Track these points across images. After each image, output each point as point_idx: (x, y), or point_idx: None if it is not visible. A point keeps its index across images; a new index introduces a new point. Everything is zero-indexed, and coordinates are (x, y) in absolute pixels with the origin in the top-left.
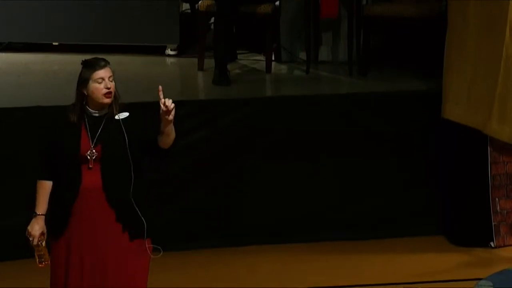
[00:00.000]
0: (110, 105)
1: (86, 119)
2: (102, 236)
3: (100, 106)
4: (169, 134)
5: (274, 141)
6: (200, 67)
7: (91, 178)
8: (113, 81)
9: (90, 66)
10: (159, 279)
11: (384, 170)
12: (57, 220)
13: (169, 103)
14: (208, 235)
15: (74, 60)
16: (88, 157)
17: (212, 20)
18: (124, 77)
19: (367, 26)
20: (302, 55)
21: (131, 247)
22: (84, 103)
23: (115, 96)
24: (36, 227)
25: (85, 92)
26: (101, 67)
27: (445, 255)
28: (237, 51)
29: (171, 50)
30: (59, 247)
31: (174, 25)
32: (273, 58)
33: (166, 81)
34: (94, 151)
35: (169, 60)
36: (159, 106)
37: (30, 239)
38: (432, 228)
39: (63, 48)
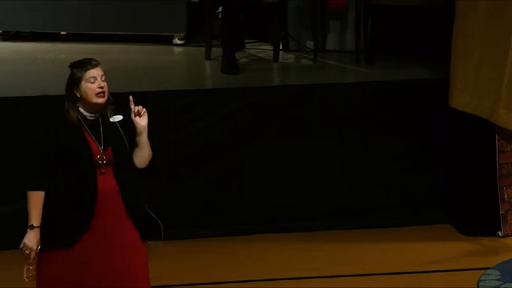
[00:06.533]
0: (103, 108)
1: (84, 122)
2: (120, 240)
3: (94, 108)
4: (144, 147)
5: (281, 130)
6: (208, 56)
7: (105, 183)
8: (106, 81)
9: (81, 66)
10: (163, 267)
11: (391, 159)
12: (73, 228)
13: (140, 107)
14: (214, 223)
15: (81, 49)
16: (100, 162)
17: (220, 9)
18: (132, 66)
19: (375, 15)
20: (310, 44)
21: (142, 248)
22: (77, 105)
23: (108, 98)
24: (35, 240)
25: (78, 94)
26: (93, 66)
27: (452, 244)
28: (245, 40)
29: (178, 39)
30: (67, 256)
31: (182, 14)
32: (280, 47)
33: (174, 70)
34: (104, 155)
35: (177, 49)
36: (165, 95)
37: (27, 252)
38: (439, 217)
39: (70, 37)
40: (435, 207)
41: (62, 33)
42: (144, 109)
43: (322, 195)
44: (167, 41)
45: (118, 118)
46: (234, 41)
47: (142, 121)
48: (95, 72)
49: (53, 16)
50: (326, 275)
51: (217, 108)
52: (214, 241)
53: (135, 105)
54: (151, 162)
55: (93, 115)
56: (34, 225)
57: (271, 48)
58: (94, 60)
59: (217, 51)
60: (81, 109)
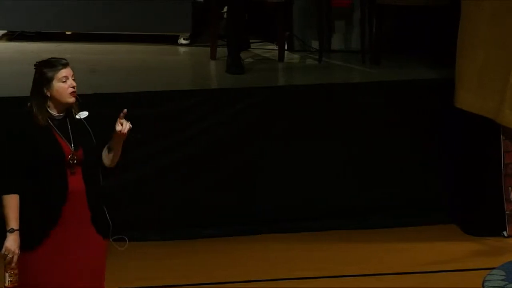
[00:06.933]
0: (70, 106)
1: (52, 122)
2: (86, 239)
3: (63, 108)
4: (116, 153)
5: (285, 130)
6: (213, 56)
7: (75, 183)
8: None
9: (52, 66)
10: (165, 267)
11: (396, 159)
12: (40, 229)
13: (126, 126)
14: (216, 223)
15: (86, 49)
16: (71, 162)
17: (225, 9)
18: (136, 66)
19: (380, 15)
20: (315, 44)
21: (104, 247)
22: (46, 105)
23: (76, 97)
24: (16, 244)
25: (48, 94)
26: (64, 66)
27: (457, 244)
28: (250, 40)
29: (183, 39)
30: (37, 257)
31: (187, 14)
32: (285, 47)
33: (179, 70)
34: (75, 156)
35: (182, 49)
36: (170, 96)
37: (10, 256)
38: (444, 217)
39: (76, 37)
40: (439, 207)
41: (67, 33)
42: (129, 126)
43: (325, 195)
44: (172, 41)
45: (84, 114)
46: (239, 41)
47: (124, 135)
48: (67, 71)
49: (58, 16)
50: (329, 275)
51: (221, 108)
52: (216, 241)
53: (124, 119)
54: (155, 163)
55: (61, 114)
56: (13, 228)
57: (276, 48)
58: (64, 59)
59: (222, 51)
60: (49, 109)
